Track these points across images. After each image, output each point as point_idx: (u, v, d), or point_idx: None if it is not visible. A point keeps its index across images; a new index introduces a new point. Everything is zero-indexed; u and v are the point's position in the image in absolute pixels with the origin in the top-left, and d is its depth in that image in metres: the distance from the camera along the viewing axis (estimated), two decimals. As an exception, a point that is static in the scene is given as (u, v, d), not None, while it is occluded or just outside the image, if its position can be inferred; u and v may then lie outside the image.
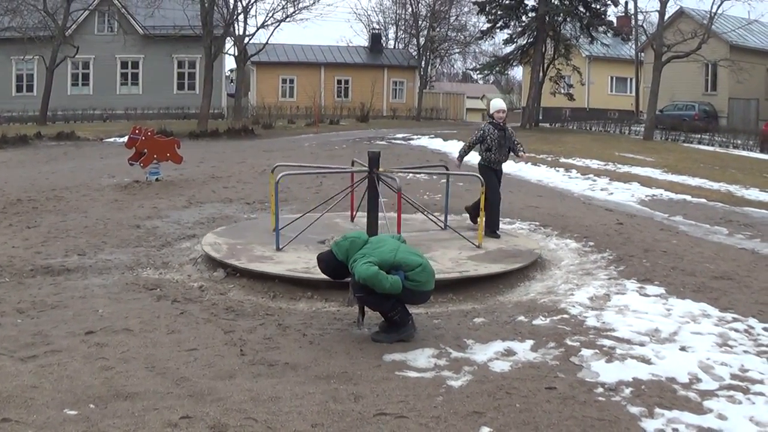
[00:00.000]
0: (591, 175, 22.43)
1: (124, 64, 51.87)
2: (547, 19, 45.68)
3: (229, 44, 49.44)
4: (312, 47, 63.73)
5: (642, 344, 7.30)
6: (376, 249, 7.35)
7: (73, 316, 7.87)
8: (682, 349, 7.22)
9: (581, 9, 46.64)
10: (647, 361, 6.82)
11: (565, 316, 8.23)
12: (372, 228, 10.35)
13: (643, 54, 56.22)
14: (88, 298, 8.67)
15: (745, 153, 36.12)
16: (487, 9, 48.87)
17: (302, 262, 9.80)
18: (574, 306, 8.60)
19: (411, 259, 7.36)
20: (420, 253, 7.75)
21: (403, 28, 70.55)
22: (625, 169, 24.77)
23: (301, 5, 48.46)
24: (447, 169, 13.43)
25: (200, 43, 43.21)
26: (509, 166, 16.99)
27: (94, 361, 6.56)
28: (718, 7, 40.75)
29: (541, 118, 51.24)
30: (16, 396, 5.74)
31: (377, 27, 71.75)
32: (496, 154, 12.23)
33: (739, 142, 39.56)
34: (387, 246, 7.42)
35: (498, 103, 12.56)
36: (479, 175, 11.90)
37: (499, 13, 48.47)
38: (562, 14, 46.01)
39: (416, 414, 5.67)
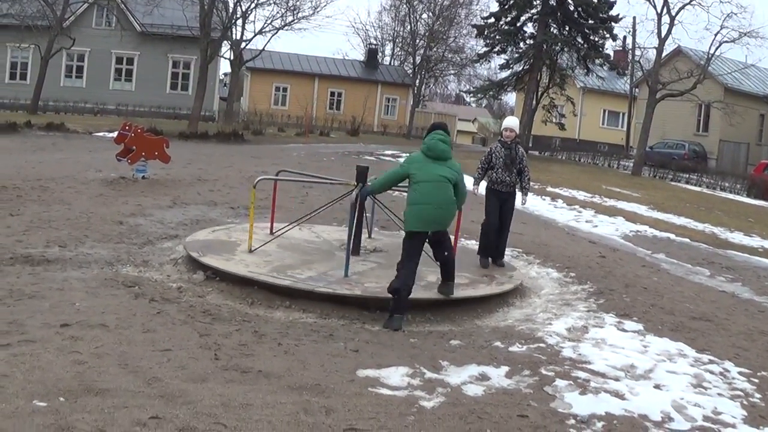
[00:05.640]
0: (577, 206, 22.48)
1: (119, 60, 51.75)
2: (545, 47, 45.90)
3: (225, 48, 49.48)
4: (308, 57, 63.89)
5: (617, 379, 7.30)
6: None
7: (49, 308, 7.80)
8: (657, 387, 7.21)
9: (579, 40, 46.84)
10: (621, 396, 6.82)
11: (542, 345, 8.22)
12: (355, 241, 10.41)
13: (637, 89, 56.54)
14: (65, 290, 8.59)
15: (732, 196, 36.25)
16: (485, 33, 49.04)
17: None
18: (551, 335, 8.59)
19: None
20: None
21: (400, 45, 70.76)
22: (611, 202, 24.84)
23: (300, 15, 48.51)
24: None
25: (196, 45, 43.15)
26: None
27: (68, 354, 6.49)
28: (717, 48, 41.11)
29: (530, 145, 51.29)
30: (-14, 384, 5.69)
31: (374, 42, 71.98)
32: (499, 173, 11.70)
33: (727, 184, 39.66)
34: None
35: (507, 122, 12.09)
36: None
37: (497, 38, 48.60)
38: (559, 44, 46.20)
39: (386, 432, 5.65)
